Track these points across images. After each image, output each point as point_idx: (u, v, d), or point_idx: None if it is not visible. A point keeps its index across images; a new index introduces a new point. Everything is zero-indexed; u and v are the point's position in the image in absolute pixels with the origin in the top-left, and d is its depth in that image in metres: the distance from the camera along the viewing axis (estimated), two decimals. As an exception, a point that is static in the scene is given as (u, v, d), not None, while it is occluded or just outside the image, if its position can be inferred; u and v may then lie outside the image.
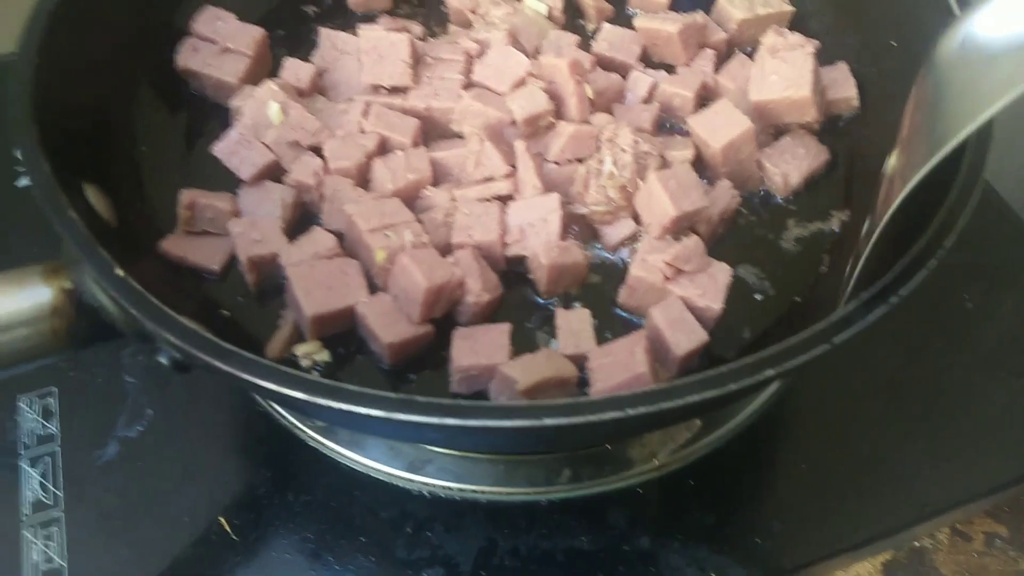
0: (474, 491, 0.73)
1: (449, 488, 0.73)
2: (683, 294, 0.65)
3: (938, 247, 0.53)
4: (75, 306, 0.55)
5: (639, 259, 0.66)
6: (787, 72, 0.75)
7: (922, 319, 0.82)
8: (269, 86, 0.71)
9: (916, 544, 0.76)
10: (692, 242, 0.66)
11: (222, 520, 0.72)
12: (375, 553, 0.70)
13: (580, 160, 0.71)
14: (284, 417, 0.76)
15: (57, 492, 0.75)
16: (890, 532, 0.73)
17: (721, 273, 0.67)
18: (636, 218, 0.71)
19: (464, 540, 0.71)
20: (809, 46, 0.74)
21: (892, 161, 0.60)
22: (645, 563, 0.70)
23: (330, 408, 0.44)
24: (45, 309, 0.54)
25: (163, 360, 0.54)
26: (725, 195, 0.72)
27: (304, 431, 0.75)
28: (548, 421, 0.43)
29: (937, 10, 0.70)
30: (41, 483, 0.75)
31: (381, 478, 0.73)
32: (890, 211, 0.53)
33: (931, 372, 0.80)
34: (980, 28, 0.53)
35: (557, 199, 0.68)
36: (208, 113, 0.80)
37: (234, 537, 0.71)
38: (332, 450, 0.75)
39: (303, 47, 0.85)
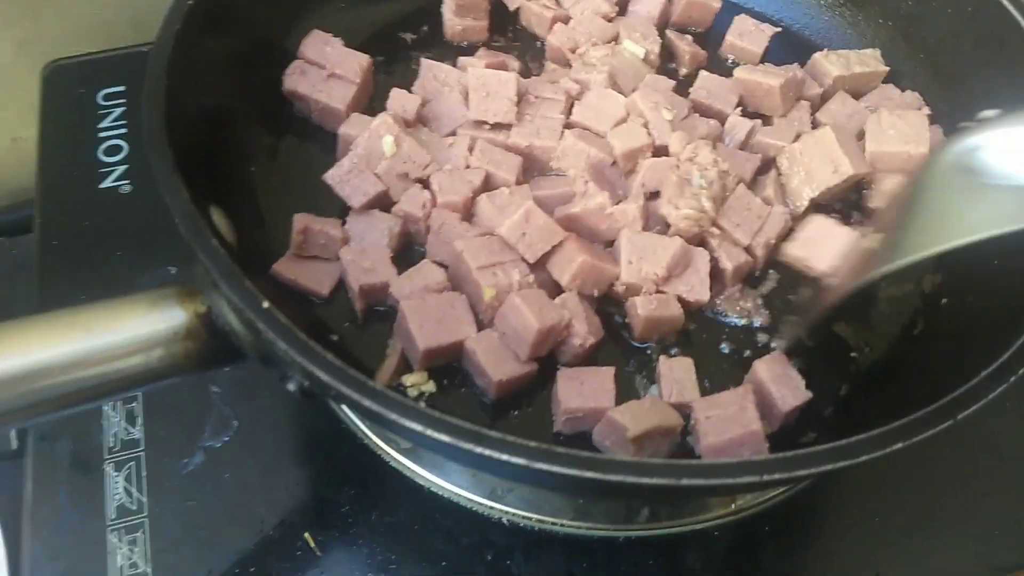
0: (553, 523, 0.74)
1: (528, 518, 0.74)
2: (677, 292, 0.69)
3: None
4: (208, 329, 0.57)
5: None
6: (904, 128, 0.77)
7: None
8: (385, 119, 0.73)
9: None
10: (675, 245, 0.68)
11: (307, 535, 0.74)
12: (457, 578, 0.72)
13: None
14: (368, 437, 0.78)
15: (141, 498, 0.76)
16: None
17: (700, 259, 0.69)
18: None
19: (543, 571, 0.73)
20: (925, 107, 0.77)
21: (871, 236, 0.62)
22: (721, 606, 0.71)
23: (474, 453, 0.46)
24: (180, 331, 0.56)
25: (291, 387, 0.56)
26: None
27: (387, 452, 0.77)
28: (686, 482, 0.45)
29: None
30: (126, 488, 0.77)
31: (463, 504, 0.75)
32: (853, 286, 0.57)
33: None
34: (985, 152, 0.55)
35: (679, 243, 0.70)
36: (311, 136, 0.82)
37: (318, 553, 0.73)
38: (415, 473, 0.76)
39: (401, 73, 0.87)
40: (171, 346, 0.55)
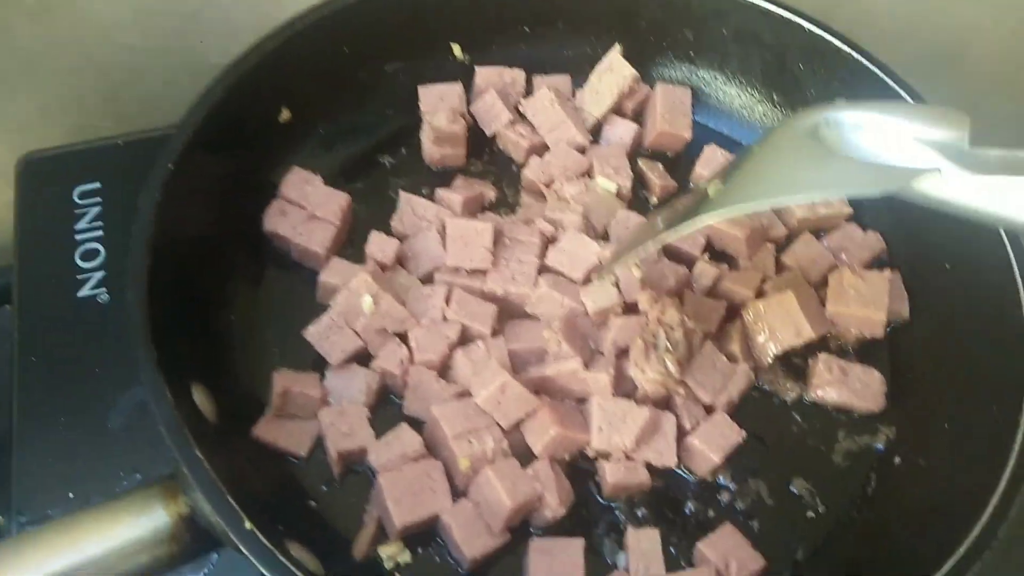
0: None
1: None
2: (645, 459, 0.72)
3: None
4: (189, 530, 0.59)
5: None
6: (864, 290, 0.80)
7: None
8: (364, 279, 0.75)
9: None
10: (643, 416, 0.71)
11: None
12: None
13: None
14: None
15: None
16: None
17: (668, 425, 0.73)
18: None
19: None
20: (888, 273, 0.80)
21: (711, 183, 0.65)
22: None
23: None
24: (164, 535, 0.58)
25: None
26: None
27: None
28: None
29: (993, 249, 0.75)
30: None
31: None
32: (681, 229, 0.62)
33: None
34: (837, 125, 0.58)
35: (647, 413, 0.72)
36: (291, 271, 0.83)
37: None
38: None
39: (380, 200, 0.88)
40: (155, 550, 0.57)
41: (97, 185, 1.03)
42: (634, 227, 0.82)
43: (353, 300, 0.75)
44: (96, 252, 0.98)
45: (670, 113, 0.92)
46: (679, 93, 0.94)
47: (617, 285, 0.77)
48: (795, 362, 0.81)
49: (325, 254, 0.81)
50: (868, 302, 0.78)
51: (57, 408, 0.86)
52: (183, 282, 0.72)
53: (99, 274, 0.96)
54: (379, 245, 0.81)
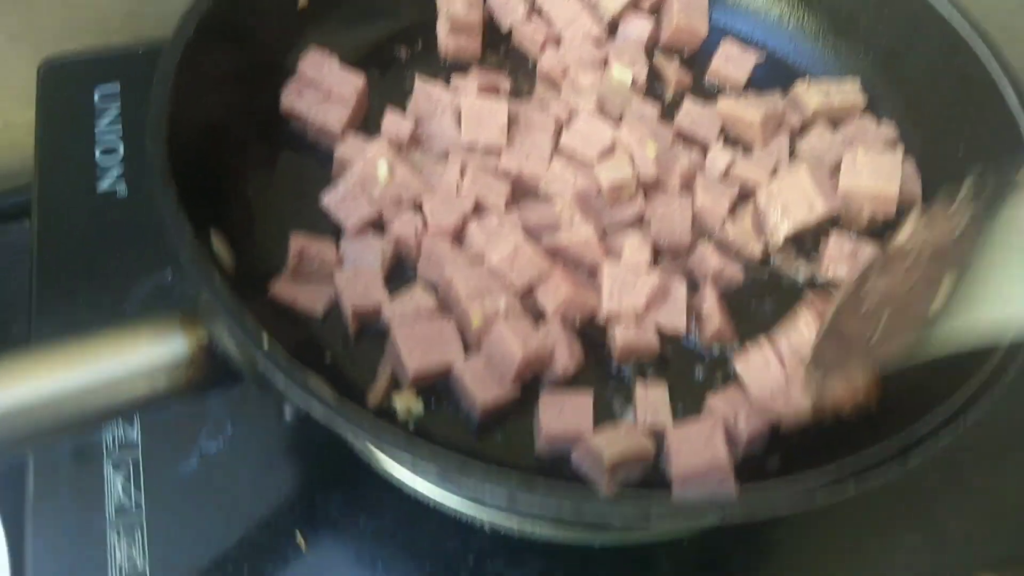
0: (532, 531, 0.78)
1: (509, 526, 0.78)
2: (655, 322, 0.73)
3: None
4: (208, 357, 0.60)
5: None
6: (877, 167, 0.80)
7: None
8: (381, 146, 0.76)
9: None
10: (654, 279, 0.72)
11: (299, 536, 0.77)
12: (440, 580, 0.77)
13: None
14: (353, 445, 0.82)
15: (139, 497, 0.80)
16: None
17: (678, 290, 0.73)
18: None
19: (522, 575, 0.77)
20: (901, 146, 0.80)
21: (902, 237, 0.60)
22: (689, 611, 0.76)
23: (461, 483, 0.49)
24: (183, 360, 0.59)
25: (287, 415, 0.59)
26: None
27: (376, 459, 0.81)
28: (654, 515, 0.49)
29: (1010, 134, 0.75)
30: (124, 487, 0.81)
31: (446, 511, 0.78)
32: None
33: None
34: None
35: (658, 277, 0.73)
36: (306, 152, 0.84)
37: (308, 551, 0.77)
38: (399, 481, 0.80)
39: (395, 89, 0.89)
40: (174, 374, 0.59)
41: (117, 87, 1.05)
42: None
43: (369, 168, 0.76)
44: (115, 149, 1.00)
45: (687, 9, 0.93)
46: (696, -11, 0.94)
47: (633, 161, 0.78)
48: (806, 246, 0.82)
49: (341, 132, 0.82)
50: (881, 177, 0.78)
51: (74, 295, 0.89)
52: (200, 151, 0.73)
53: (118, 170, 0.98)
54: (394, 123, 0.82)
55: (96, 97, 1.04)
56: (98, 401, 0.56)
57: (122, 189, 0.97)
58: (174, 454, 0.80)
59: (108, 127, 1.02)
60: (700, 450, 0.63)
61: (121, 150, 1.00)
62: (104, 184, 0.97)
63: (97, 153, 0.99)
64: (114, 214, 0.95)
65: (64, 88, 1.05)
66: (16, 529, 0.80)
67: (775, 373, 0.69)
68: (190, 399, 0.61)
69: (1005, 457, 0.86)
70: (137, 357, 0.57)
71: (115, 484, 0.79)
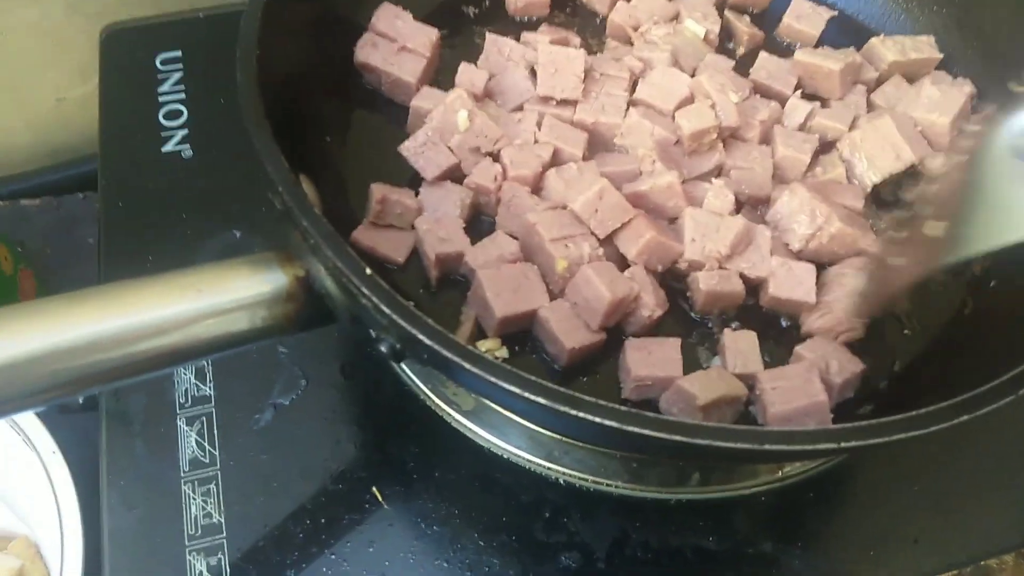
0: (608, 485, 0.78)
1: (584, 479, 0.78)
2: (737, 268, 0.72)
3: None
4: (306, 293, 0.60)
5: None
6: (937, 98, 0.79)
7: None
8: (460, 94, 0.75)
9: (981, 563, 0.81)
10: (738, 225, 0.71)
11: (375, 490, 0.77)
12: (516, 533, 0.76)
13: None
14: (430, 398, 0.81)
15: (213, 451, 0.80)
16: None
17: (762, 237, 0.72)
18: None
19: (599, 529, 0.76)
20: (967, 86, 0.79)
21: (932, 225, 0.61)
22: (768, 566, 0.75)
23: (570, 417, 0.49)
24: (282, 294, 0.59)
25: (383, 348, 0.59)
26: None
27: (449, 413, 0.80)
28: (769, 447, 0.48)
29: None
30: (197, 441, 0.81)
31: (521, 464, 0.78)
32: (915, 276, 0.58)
33: None
34: None
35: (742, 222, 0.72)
36: (381, 107, 0.84)
37: (385, 506, 0.77)
38: (476, 433, 0.79)
39: (465, 47, 0.89)
40: (273, 308, 0.58)
41: (178, 53, 1.05)
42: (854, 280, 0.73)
43: (449, 116, 0.76)
44: (179, 112, 1.00)
45: (757, -35, 0.92)
46: (766, -53, 0.93)
47: (713, 108, 0.77)
48: (886, 198, 0.81)
49: (416, 84, 0.82)
50: (934, 108, 0.78)
51: (143, 253, 0.89)
52: (283, 107, 0.73)
53: (182, 132, 0.99)
54: (468, 75, 0.81)
55: (158, 62, 1.05)
56: (200, 333, 0.56)
57: (187, 151, 0.97)
58: (248, 408, 0.80)
59: (171, 91, 1.02)
60: (797, 393, 0.62)
61: (185, 113, 1.00)
62: (168, 146, 0.98)
63: (160, 117, 1.00)
64: (179, 175, 0.95)
65: (126, 55, 1.06)
66: (90, 485, 0.80)
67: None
68: (287, 335, 0.61)
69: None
70: (238, 288, 0.57)
71: (189, 439, 0.80)
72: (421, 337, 0.52)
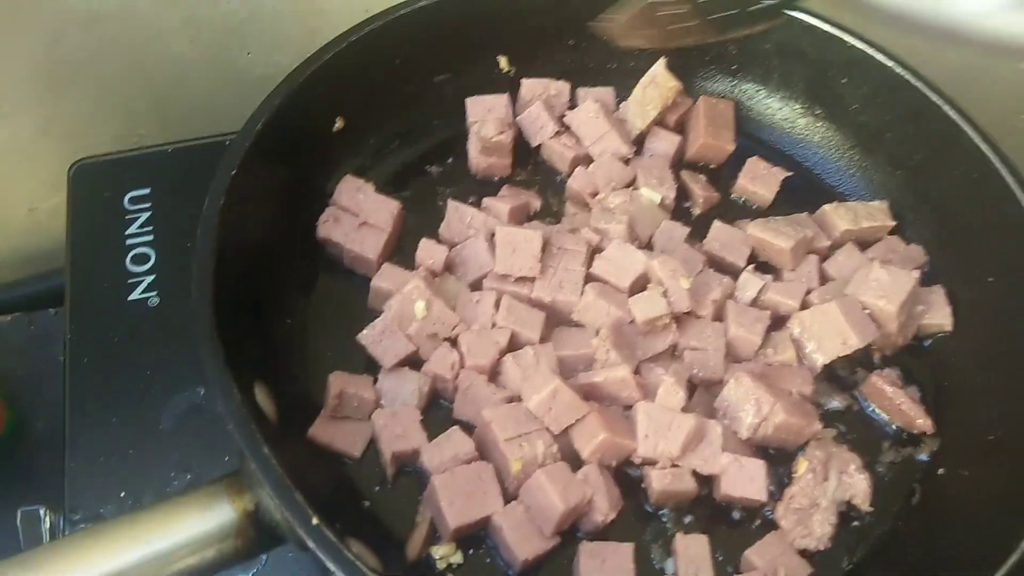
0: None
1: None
2: (691, 466, 0.73)
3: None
4: (255, 526, 0.60)
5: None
6: (886, 283, 0.80)
7: None
8: (417, 284, 0.76)
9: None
10: (690, 423, 0.72)
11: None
12: None
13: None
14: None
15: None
16: None
17: (713, 433, 0.73)
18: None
19: None
20: (916, 272, 0.81)
21: None
22: None
23: None
24: (230, 530, 0.59)
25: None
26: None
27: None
28: None
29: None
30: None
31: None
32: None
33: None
34: None
35: (693, 420, 0.73)
36: (343, 277, 0.85)
37: None
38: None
39: (427, 208, 0.90)
40: (222, 545, 0.59)
41: (147, 191, 1.05)
42: None
43: (406, 305, 0.77)
44: (146, 257, 1.01)
45: (713, 125, 0.94)
46: (722, 106, 0.96)
47: (665, 295, 0.78)
48: (840, 373, 0.82)
49: (377, 260, 0.83)
50: (883, 294, 0.79)
51: (109, 409, 0.88)
52: (241, 287, 0.74)
53: (149, 278, 0.99)
54: (429, 252, 0.83)
55: (126, 201, 1.05)
56: (148, 579, 0.56)
57: (153, 299, 0.97)
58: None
59: (138, 232, 1.02)
60: (744, 612, 0.63)
61: (152, 258, 1.00)
62: (136, 293, 0.98)
63: (128, 262, 1.00)
64: (146, 323, 0.95)
65: (95, 192, 1.06)
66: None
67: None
68: (235, 566, 0.61)
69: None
70: (185, 530, 0.58)
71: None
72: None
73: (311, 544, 0.55)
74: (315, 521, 0.55)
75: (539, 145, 0.95)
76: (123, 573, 0.55)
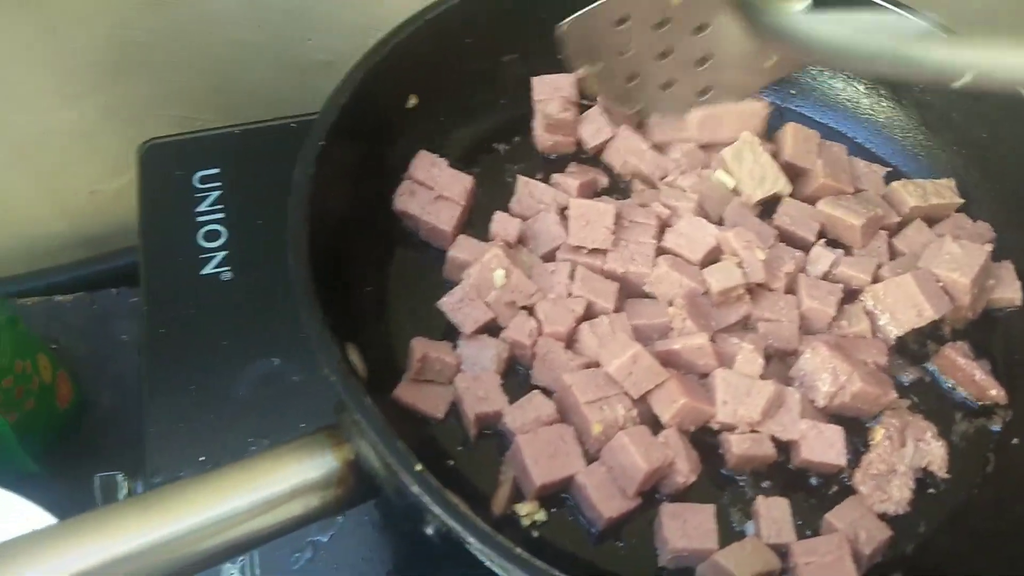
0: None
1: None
2: (768, 431, 0.74)
3: None
4: (355, 475, 0.62)
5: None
6: (959, 256, 0.81)
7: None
8: (496, 253, 0.78)
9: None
10: (769, 389, 0.73)
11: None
12: None
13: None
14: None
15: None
16: None
17: (792, 399, 0.74)
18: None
19: None
20: (988, 244, 0.81)
21: None
22: None
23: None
24: (332, 479, 0.61)
25: (429, 531, 0.61)
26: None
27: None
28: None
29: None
30: (240, 577, 0.82)
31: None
32: None
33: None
34: None
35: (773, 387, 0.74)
36: (418, 250, 0.87)
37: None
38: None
39: (497, 185, 0.92)
40: (324, 493, 0.61)
41: (216, 170, 1.08)
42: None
43: (485, 273, 0.78)
44: (218, 233, 1.03)
45: (831, 167, 0.89)
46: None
47: (740, 266, 0.79)
48: (911, 346, 0.83)
49: (451, 232, 0.84)
50: (956, 267, 0.79)
51: (185, 378, 0.91)
52: (327, 254, 0.76)
53: (221, 254, 1.01)
54: (503, 224, 0.84)
55: (196, 180, 1.08)
56: (256, 525, 0.58)
57: (226, 273, 1.00)
58: (287, 547, 0.82)
59: (209, 210, 1.05)
60: (829, 571, 0.64)
61: (224, 234, 1.02)
62: (208, 268, 1.00)
63: (200, 238, 1.02)
64: (219, 297, 0.98)
65: (164, 172, 1.08)
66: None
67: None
68: (336, 515, 0.63)
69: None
70: (290, 478, 0.59)
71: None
72: (472, 540, 0.55)
73: (416, 489, 0.56)
74: (419, 467, 0.57)
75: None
76: (232, 517, 0.57)
